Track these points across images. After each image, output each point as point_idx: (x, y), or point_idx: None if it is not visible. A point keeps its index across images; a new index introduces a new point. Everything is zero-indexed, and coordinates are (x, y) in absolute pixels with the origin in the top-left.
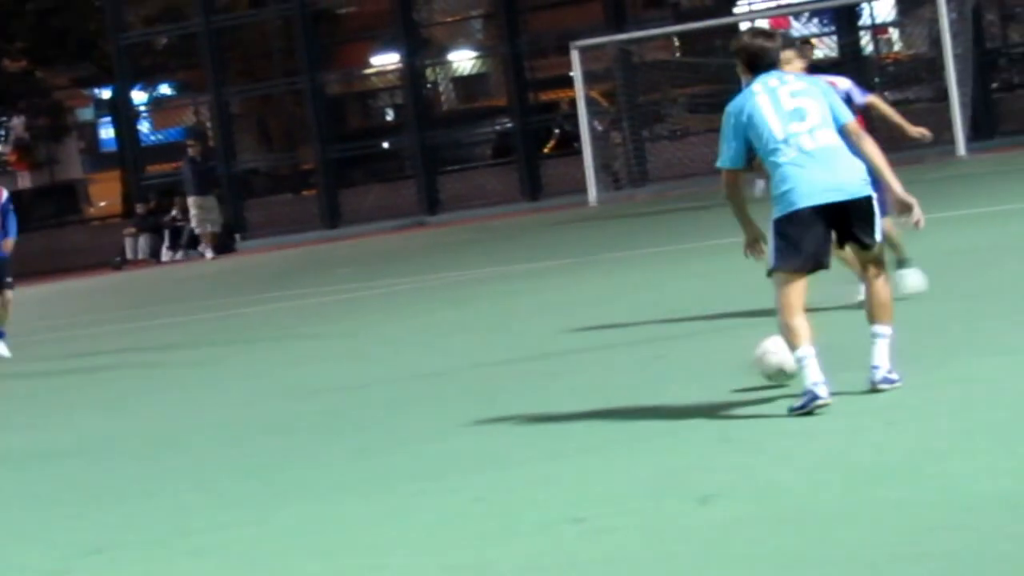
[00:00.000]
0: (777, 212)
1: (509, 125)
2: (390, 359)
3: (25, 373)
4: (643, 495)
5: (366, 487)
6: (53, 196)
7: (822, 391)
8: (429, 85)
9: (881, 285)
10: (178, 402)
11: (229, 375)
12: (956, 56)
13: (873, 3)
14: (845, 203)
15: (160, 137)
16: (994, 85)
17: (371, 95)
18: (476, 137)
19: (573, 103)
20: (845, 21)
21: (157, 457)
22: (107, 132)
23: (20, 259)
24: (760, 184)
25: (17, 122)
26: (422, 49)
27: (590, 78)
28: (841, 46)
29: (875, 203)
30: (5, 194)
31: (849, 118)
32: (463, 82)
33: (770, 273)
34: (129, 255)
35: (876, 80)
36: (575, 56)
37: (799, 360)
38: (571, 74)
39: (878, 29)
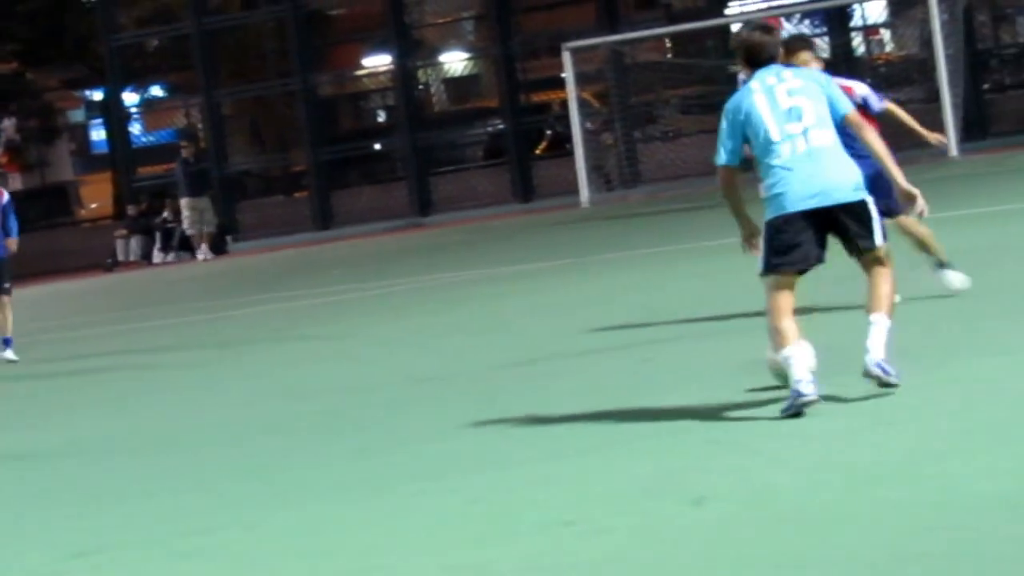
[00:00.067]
0: (768, 215)
1: (501, 126)
2: (386, 360)
3: (21, 375)
4: (639, 496)
5: (364, 488)
6: (44, 198)
7: (806, 388)
8: (421, 86)
9: (882, 279)
10: (174, 403)
11: (225, 376)
12: (948, 57)
13: (864, 4)
14: (836, 207)
15: (152, 139)
16: (986, 86)
17: (363, 96)
18: (468, 138)
19: (565, 104)
20: (836, 22)
21: (154, 458)
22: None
23: (11, 261)
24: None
25: (8, 124)
26: (414, 50)
27: (582, 79)
28: (833, 47)
29: (871, 207)
30: (6, 195)
31: (849, 109)
32: (455, 83)
33: (761, 275)
34: (120, 257)
35: (867, 81)
36: (567, 57)
37: (785, 359)
38: (563, 75)
39: (870, 30)
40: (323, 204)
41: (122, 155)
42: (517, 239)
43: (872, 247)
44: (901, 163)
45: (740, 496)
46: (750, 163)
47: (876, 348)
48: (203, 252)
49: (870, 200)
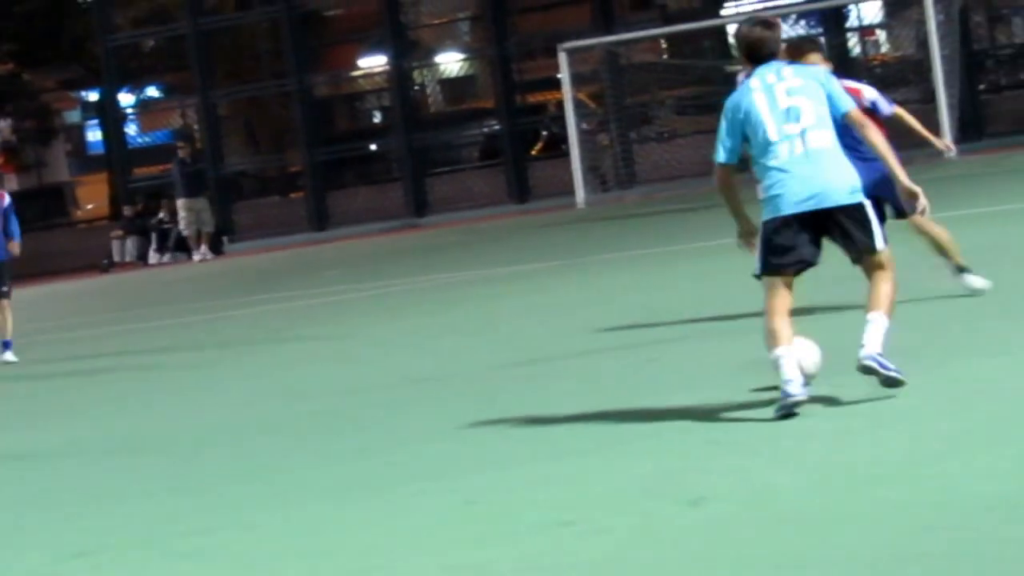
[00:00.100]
0: (764, 216)
1: (497, 127)
2: (383, 361)
3: (20, 375)
4: (638, 496)
5: (364, 488)
6: (40, 199)
7: (794, 389)
8: (417, 87)
9: (883, 280)
10: (173, 404)
11: (223, 377)
12: (943, 58)
13: (860, 5)
14: (831, 210)
15: (147, 139)
16: (981, 86)
17: (359, 97)
18: (464, 139)
19: (561, 105)
20: (832, 23)
21: (154, 458)
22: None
23: (11, 264)
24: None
25: (4, 125)
26: (410, 51)
27: (578, 80)
28: (828, 48)
29: (868, 210)
30: (7, 198)
31: (850, 106)
32: (451, 84)
33: (756, 276)
34: (116, 258)
35: (864, 82)
36: (563, 58)
37: (775, 360)
38: (559, 76)
39: (865, 31)
40: (319, 205)
41: (118, 156)
42: (513, 240)
43: (872, 251)
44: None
45: (739, 496)
46: (746, 163)
47: (871, 343)
48: (203, 252)
49: (867, 203)
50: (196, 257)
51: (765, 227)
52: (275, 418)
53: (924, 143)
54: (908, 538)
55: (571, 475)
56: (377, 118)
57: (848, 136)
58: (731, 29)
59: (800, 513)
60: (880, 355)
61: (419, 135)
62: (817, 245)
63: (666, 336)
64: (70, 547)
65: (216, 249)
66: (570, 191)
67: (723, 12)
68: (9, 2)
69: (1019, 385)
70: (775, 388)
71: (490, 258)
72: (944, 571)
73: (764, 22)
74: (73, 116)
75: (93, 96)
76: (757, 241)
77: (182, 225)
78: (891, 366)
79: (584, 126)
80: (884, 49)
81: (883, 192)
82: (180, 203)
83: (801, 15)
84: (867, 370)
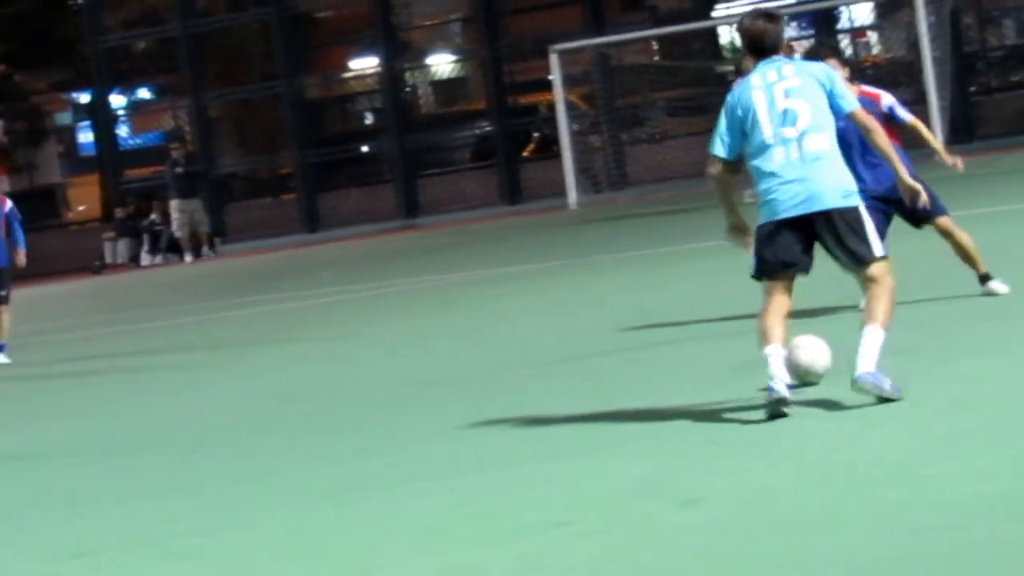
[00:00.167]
0: (760, 219)
1: (488, 128)
2: (379, 362)
3: (14, 376)
4: (634, 497)
5: (361, 489)
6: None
7: (776, 385)
8: (408, 89)
9: (881, 291)
10: (168, 405)
11: (217, 378)
12: (934, 59)
13: (851, 6)
14: (823, 214)
15: (139, 141)
16: (972, 88)
17: (350, 99)
18: (455, 141)
19: (552, 106)
20: (823, 24)
21: (150, 459)
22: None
23: (11, 270)
24: (748, 191)
25: None
26: (401, 53)
27: (569, 81)
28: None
29: (863, 215)
30: (9, 203)
31: (855, 106)
32: (442, 86)
33: (754, 277)
34: (108, 259)
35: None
36: (554, 60)
37: (764, 358)
38: (550, 77)
39: (856, 32)
40: (310, 206)
41: (109, 157)
42: (506, 241)
43: (866, 259)
44: None
45: (737, 496)
46: (740, 162)
47: (866, 361)
48: (200, 253)
49: (862, 209)
50: (189, 258)
51: (759, 231)
52: (271, 419)
53: (928, 148)
54: (907, 538)
55: (568, 475)
56: (369, 120)
57: (861, 143)
58: (722, 31)
59: (798, 513)
60: (875, 373)
61: (411, 136)
62: (809, 252)
63: (661, 337)
64: (68, 548)
65: (203, 252)
66: (562, 192)
67: (714, 14)
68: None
69: (1018, 385)
70: (802, 387)
71: (483, 259)
72: (943, 571)
73: (767, 14)
74: (64, 118)
75: (84, 98)
76: (747, 238)
77: (175, 226)
78: (886, 384)
79: (575, 127)
80: (875, 51)
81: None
82: (173, 204)
83: (792, 16)
84: (862, 390)
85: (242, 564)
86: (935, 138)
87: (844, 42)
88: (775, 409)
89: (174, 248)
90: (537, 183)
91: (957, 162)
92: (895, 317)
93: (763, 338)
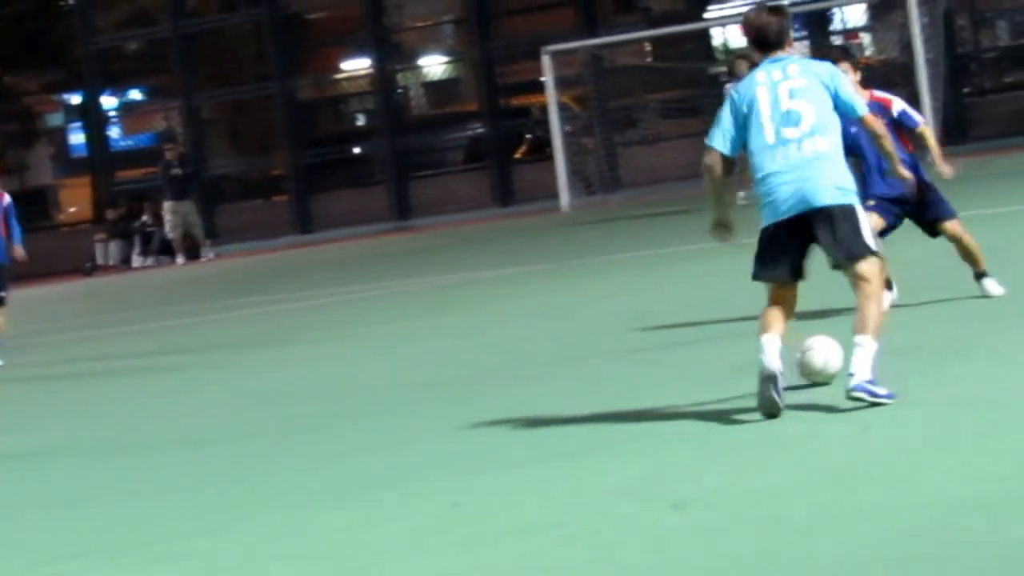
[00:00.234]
0: (762, 221)
1: (481, 130)
2: (370, 364)
3: (7, 378)
4: (625, 499)
5: (348, 492)
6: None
7: (767, 360)
8: (400, 90)
9: (870, 298)
10: (162, 407)
11: (211, 380)
12: (928, 61)
13: (844, 8)
14: (819, 210)
15: (130, 142)
16: (966, 90)
17: (342, 100)
18: (448, 142)
19: (545, 108)
20: (816, 26)
21: (143, 461)
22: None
23: (11, 268)
24: (741, 195)
25: None
26: (393, 54)
27: (562, 83)
28: (812, 51)
29: (858, 212)
30: (7, 198)
31: (865, 111)
32: (434, 87)
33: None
34: (99, 261)
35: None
36: (546, 61)
37: (760, 346)
38: (543, 79)
39: (849, 34)
40: (303, 208)
41: (101, 159)
42: (498, 243)
43: (859, 255)
44: None
45: (730, 498)
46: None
47: (860, 370)
48: (198, 254)
49: (859, 207)
50: (180, 260)
51: (761, 234)
52: (268, 420)
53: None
54: (901, 540)
55: (559, 478)
56: (361, 121)
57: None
58: (715, 32)
59: (792, 515)
60: (870, 382)
61: (403, 138)
62: (804, 256)
63: (655, 339)
64: (45, 553)
65: (195, 253)
66: (554, 194)
67: (707, 15)
68: None
69: (1006, 388)
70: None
71: (476, 261)
72: (937, 574)
73: (772, 7)
74: (55, 119)
75: (76, 99)
76: (730, 235)
77: (168, 228)
78: (881, 392)
79: (567, 129)
80: (868, 52)
81: (910, 206)
82: (166, 206)
83: None
84: (857, 400)
85: (240, 565)
86: (937, 146)
87: (836, 43)
88: (769, 399)
89: (166, 250)
90: (529, 185)
91: (945, 169)
92: (890, 318)
93: (761, 329)
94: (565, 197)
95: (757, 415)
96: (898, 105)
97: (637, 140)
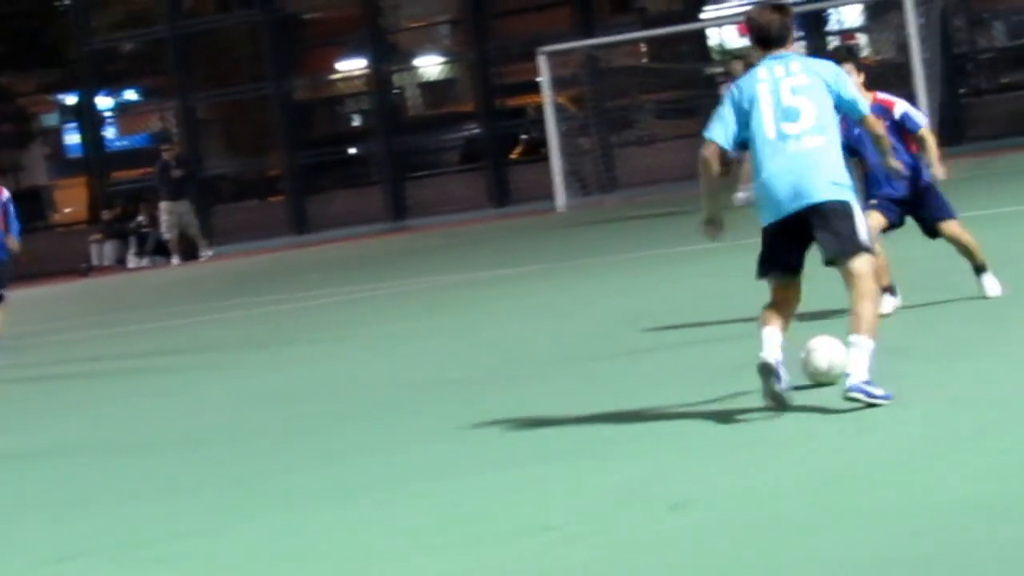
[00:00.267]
0: (761, 221)
1: (477, 131)
2: (370, 364)
3: (3, 379)
4: (616, 502)
5: (342, 493)
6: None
7: (765, 352)
8: (396, 91)
9: (864, 297)
10: (160, 407)
11: (209, 380)
12: (924, 61)
13: (841, 8)
14: (814, 207)
15: (126, 143)
16: (962, 91)
17: (338, 101)
18: (444, 143)
19: (541, 109)
20: (813, 26)
21: (142, 461)
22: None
23: (11, 265)
24: (740, 196)
25: None
26: (389, 55)
27: (558, 84)
28: (808, 51)
29: (853, 208)
30: (5, 193)
31: (866, 111)
32: (430, 88)
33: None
34: (95, 261)
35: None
36: (542, 61)
37: (759, 342)
38: (539, 80)
39: (846, 35)
40: (299, 208)
41: (96, 159)
42: (495, 244)
43: (852, 250)
44: None
45: (728, 499)
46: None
47: (856, 370)
48: (196, 255)
49: (854, 203)
50: (176, 260)
51: (762, 233)
52: (266, 421)
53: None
54: (900, 541)
55: (553, 479)
56: (357, 122)
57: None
58: (711, 33)
59: (790, 516)
60: (866, 383)
61: (399, 139)
62: (803, 253)
63: (652, 340)
64: (39, 554)
65: (192, 254)
66: (550, 195)
67: (703, 16)
68: None
69: (1002, 389)
70: (818, 387)
71: (472, 262)
72: (935, 574)
73: (775, 5)
74: (51, 119)
75: (71, 99)
76: (720, 233)
77: (164, 228)
78: (878, 393)
79: (563, 129)
80: (865, 53)
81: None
82: (163, 206)
83: None
84: (854, 400)
85: (240, 565)
86: (936, 149)
87: (833, 44)
88: (773, 389)
89: (161, 250)
90: (525, 185)
91: (940, 171)
92: (890, 319)
93: (761, 324)
94: (561, 198)
95: (756, 415)
96: (900, 107)
97: (633, 141)
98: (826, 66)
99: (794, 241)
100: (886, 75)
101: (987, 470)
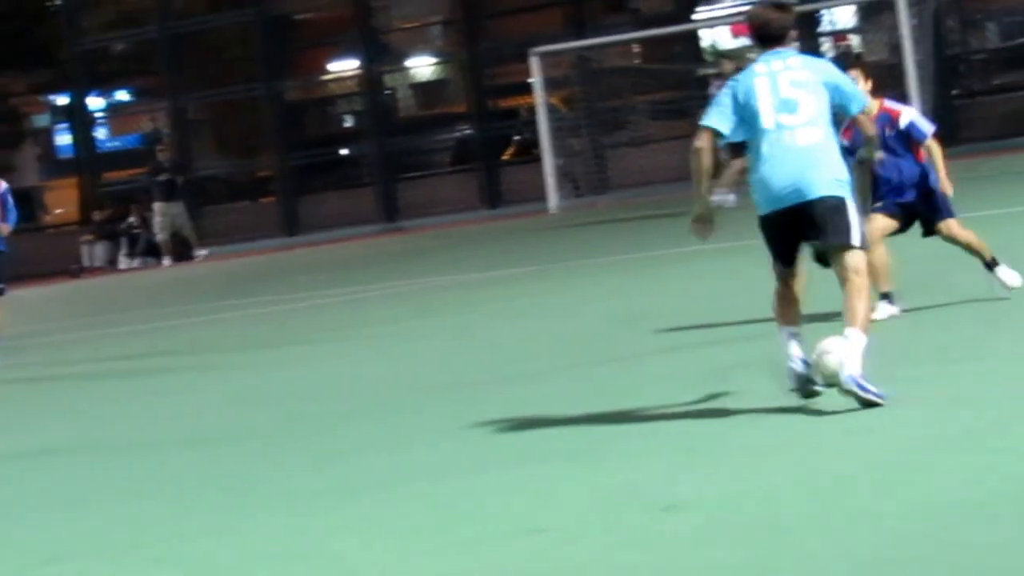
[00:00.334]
0: (757, 210)
1: (469, 132)
2: (363, 366)
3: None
4: (611, 503)
5: (333, 495)
6: None
7: (794, 365)
8: (388, 91)
9: (857, 293)
10: (153, 409)
11: (202, 382)
12: (917, 63)
13: (833, 10)
14: (810, 203)
15: (117, 143)
16: (955, 92)
17: (330, 102)
18: (436, 144)
19: (533, 110)
20: (805, 28)
21: (133, 463)
22: (63, 139)
23: (9, 260)
24: (730, 198)
25: None
26: (381, 55)
27: (550, 84)
28: (801, 53)
29: (848, 205)
30: (4, 184)
31: (860, 108)
32: (422, 88)
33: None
34: (85, 263)
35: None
36: (535, 62)
37: (785, 352)
38: (531, 80)
39: (838, 36)
40: (290, 210)
41: (87, 160)
42: (487, 245)
43: (845, 241)
44: None
45: (713, 503)
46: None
47: (850, 364)
48: (191, 255)
49: (849, 199)
50: (167, 262)
51: (759, 221)
52: (258, 422)
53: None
54: (895, 543)
55: (545, 481)
56: (349, 123)
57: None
58: (704, 33)
59: (774, 520)
60: (860, 377)
61: (391, 140)
62: (799, 243)
63: (645, 341)
64: (32, 555)
65: (185, 255)
66: (542, 196)
67: (695, 16)
68: None
69: (1006, 388)
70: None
71: (465, 264)
72: None
73: (776, 4)
74: (42, 120)
75: (62, 100)
76: (710, 231)
77: (157, 229)
78: (871, 388)
79: (556, 129)
80: (842, 50)
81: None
82: (157, 207)
83: None
84: (847, 393)
85: (241, 565)
86: (943, 163)
87: (826, 45)
88: (802, 387)
89: (152, 251)
90: (517, 187)
91: (946, 188)
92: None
93: (777, 318)
94: (553, 199)
95: (754, 416)
96: (907, 116)
97: (626, 142)
98: (824, 64)
99: (790, 232)
100: (879, 76)
101: (986, 471)
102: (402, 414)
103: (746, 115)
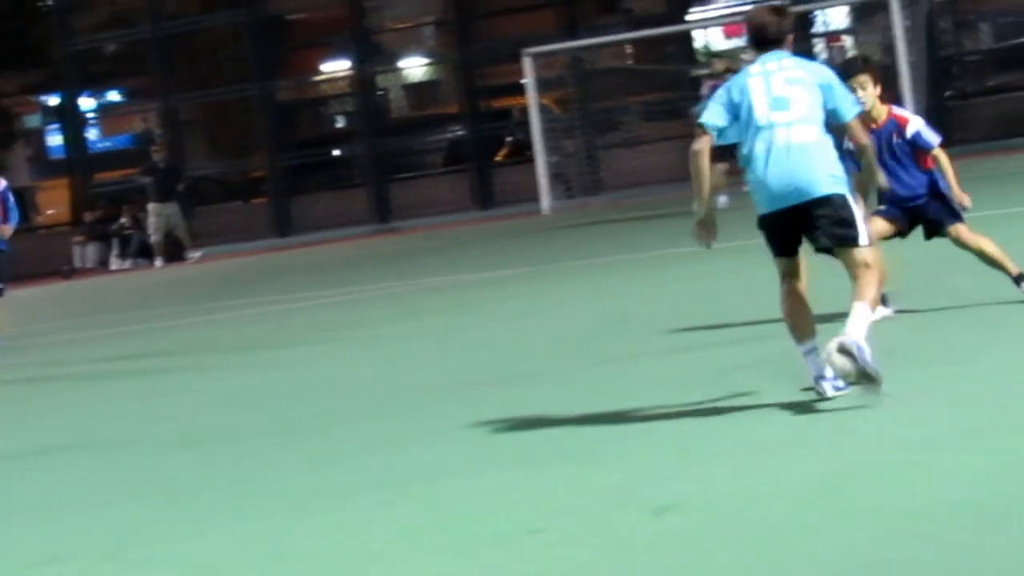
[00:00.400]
0: (756, 209)
1: (461, 132)
2: (360, 366)
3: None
4: (605, 505)
5: (325, 497)
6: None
7: (826, 387)
8: (380, 92)
9: (867, 274)
10: (146, 410)
11: (196, 382)
12: (910, 64)
13: (826, 11)
14: (811, 202)
15: (109, 144)
16: (948, 93)
17: (322, 102)
18: (428, 145)
19: (525, 110)
20: (798, 29)
21: (132, 463)
22: (55, 139)
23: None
24: (722, 199)
25: None
26: (373, 56)
27: (543, 85)
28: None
29: (850, 202)
30: (3, 182)
31: (851, 116)
32: (415, 89)
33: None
34: (77, 263)
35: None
36: (527, 63)
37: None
38: (523, 81)
39: (831, 37)
40: (282, 210)
41: (79, 161)
42: (480, 246)
43: (852, 239)
44: None
45: (708, 505)
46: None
47: (854, 329)
48: (184, 256)
49: (849, 196)
50: (159, 263)
51: (758, 220)
52: (255, 423)
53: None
54: (891, 543)
55: (539, 483)
56: (341, 123)
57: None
58: (697, 34)
59: (774, 520)
60: (862, 345)
61: (383, 140)
62: (794, 242)
63: (638, 343)
64: (25, 556)
65: (178, 256)
66: (535, 197)
67: (688, 17)
68: None
69: (1001, 391)
70: (740, 394)
71: (457, 265)
72: None
73: (774, 8)
74: (33, 120)
75: (54, 100)
76: (712, 238)
77: (151, 229)
78: (869, 360)
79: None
80: (851, 55)
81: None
82: (151, 207)
83: None
84: (846, 351)
85: (239, 566)
86: (952, 173)
87: (819, 46)
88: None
89: (144, 252)
90: (510, 188)
91: (964, 201)
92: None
93: (788, 327)
94: (546, 200)
95: (752, 416)
96: (914, 125)
97: (618, 142)
98: (820, 67)
99: (791, 229)
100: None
101: (986, 472)
102: (398, 415)
103: (740, 113)
